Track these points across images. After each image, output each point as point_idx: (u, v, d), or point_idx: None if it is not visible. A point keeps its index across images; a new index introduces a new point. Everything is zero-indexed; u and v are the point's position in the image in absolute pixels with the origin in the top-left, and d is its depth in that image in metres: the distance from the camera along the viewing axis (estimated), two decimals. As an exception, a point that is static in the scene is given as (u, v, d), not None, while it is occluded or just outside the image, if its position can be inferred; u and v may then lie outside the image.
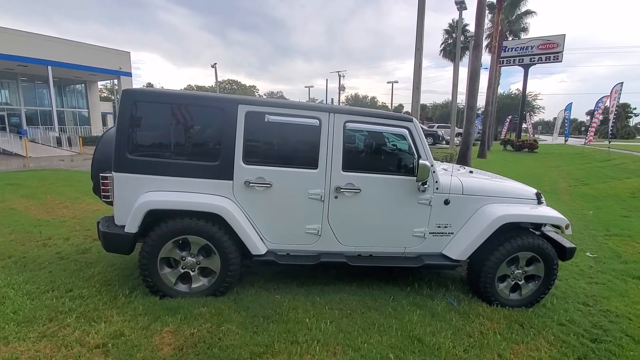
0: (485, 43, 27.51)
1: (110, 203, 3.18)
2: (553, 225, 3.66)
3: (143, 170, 3.03)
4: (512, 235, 3.37)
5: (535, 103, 54.99)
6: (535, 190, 3.72)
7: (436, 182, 3.33)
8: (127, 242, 3.02)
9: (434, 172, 3.29)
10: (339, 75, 48.85)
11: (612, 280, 4.19)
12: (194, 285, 3.16)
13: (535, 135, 44.02)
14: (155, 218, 3.03)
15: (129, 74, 24.88)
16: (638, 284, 4.10)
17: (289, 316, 2.93)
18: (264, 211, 3.17)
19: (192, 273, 3.15)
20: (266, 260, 3.19)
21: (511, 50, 28.28)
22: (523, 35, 31.51)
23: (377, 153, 3.56)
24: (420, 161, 3.10)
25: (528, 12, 31.45)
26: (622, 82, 19.91)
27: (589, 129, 25.23)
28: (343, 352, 2.56)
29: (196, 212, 3.02)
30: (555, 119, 45.22)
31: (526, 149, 26.38)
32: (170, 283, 3.12)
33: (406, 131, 3.28)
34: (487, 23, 22.96)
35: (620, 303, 3.64)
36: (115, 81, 26.55)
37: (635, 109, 72.98)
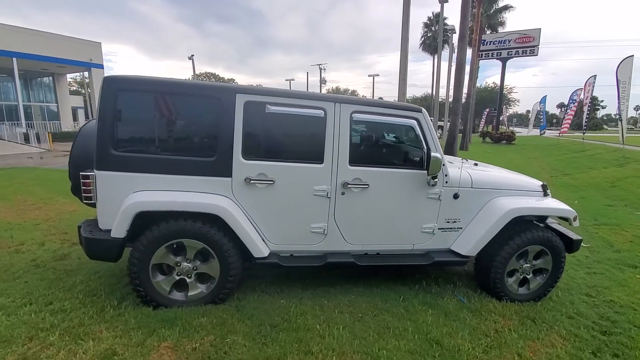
0: (464, 36, 27.78)
1: (93, 205, 2.86)
2: (559, 217, 3.61)
3: (130, 168, 2.72)
4: (521, 229, 3.28)
5: (510, 96, 56.50)
6: (540, 183, 3.65)
7: (445, 175, 3.19)
8: (114, 248, 2.71)
9: (443, 165, 3.14)
10: (320, 69, 48.32)
11: (610, 270, 4.21)
12: (190, 293, 2.89)
13: (511, 128, 45.27)
14: (145, 221, 2.74)
15: (101, 66, 23.64)
16: (635, 273, 4.14)
17: (298, 323, 2.72)
18: (266, 210, 2.93)
19: (188, 280, 2.88)
20: (269, 262, 2.96)
21: (489, 44, 28.62)
22: (500, 30, 32.09)
23: (385, 146, 3.37)
24: (432, 154, 2.94)
25: (506, 8, 32.09)
26: (595, 75, 20.62)
27: (564, 121, 26.07)
28: (361, 360, 2.39)
29: (192, 213, 2.75)
30: (528, 111, 46.71)
31: (504, 141, 27.06)
32: (164, 291, 2.84)
33: (415, 122, 3.11)
34: (466, 16, 23.13)
35: (622, 293, 3.64)
36: (86, 73, 25.20)
37: (602, 101, 76.60)
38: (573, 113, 24.89)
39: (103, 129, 2.67)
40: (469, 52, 25.47)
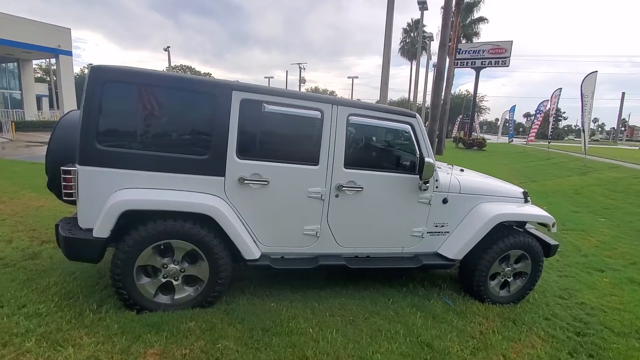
0: (441, 44, 28.52)
1: (72, 202, 2.69)
2: (538, 223, 3.77)
3: (116, 164, 2.58)
4: (504, 233, 3.40)
5: (482, 104, 58.86)
6: (522, 190, 3.81)
7: (436, 180, 3.25)
8: (96, 248, 2.56)
9: (435, 170, 3.20)
10: (300, 68, 48.22)
11: (579, 274, 4.45)
12: (177, 296, 2.78)
13: (482, 134, 47.06)
14: (129, 220, 2.60)
15: (69, 53, 22.37)
16: (602, 277, 4.40)
17: (291, 327, 2.67)
18: (259, 211, 2.87)
19: (175, 282, 2.77)
20: (260, 265, 2.90)
21: (465, 53, 29.69)
22: (475, 40, 33.30)
23: (380, 149, 3.40)
24: (426, 159, 2.99)
25: (481, 19, 33.34)
26: (561, 88, 21.84)
27: (531, 130, 27.42)
28: (355, 364, 2.38)
29: (182, 212, 2.65)
30: (497, 119, 48.79)
31: (476, 147, 28.12)
32: (149, 295, 2.72)
33: (409, 127, 3.15)
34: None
35: (592, 295, 3.86)
36: (52, 60, 23.79)
37: (564, 112, 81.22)
38: (539, 122, 26.22)
39: (87, 122, 2.51)
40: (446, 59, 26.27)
